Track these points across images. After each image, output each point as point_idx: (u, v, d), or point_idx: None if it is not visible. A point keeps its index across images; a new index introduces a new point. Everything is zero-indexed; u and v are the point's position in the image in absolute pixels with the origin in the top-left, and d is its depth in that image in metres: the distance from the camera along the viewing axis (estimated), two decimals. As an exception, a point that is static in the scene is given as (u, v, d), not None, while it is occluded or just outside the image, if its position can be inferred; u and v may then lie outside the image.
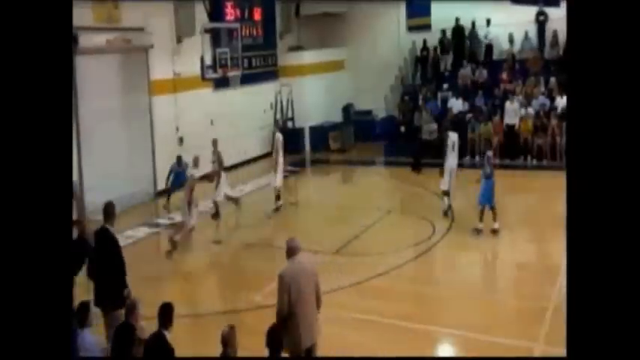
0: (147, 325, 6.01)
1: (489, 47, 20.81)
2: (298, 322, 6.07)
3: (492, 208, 11.90)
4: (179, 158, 14.45)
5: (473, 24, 20.92)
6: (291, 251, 6.26)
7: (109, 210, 7.50)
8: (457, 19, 20.99)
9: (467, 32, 21.17)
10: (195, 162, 12.07)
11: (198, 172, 12.12)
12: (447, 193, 12.92)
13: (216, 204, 13.77)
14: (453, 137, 12.95)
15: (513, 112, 18.00)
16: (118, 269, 7.37)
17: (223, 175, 13.85)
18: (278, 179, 14.03)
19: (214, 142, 13.74)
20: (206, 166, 17.36)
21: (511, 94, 18.50)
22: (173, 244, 11.51)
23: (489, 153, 12.37)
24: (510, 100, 18.20)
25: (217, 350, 5.54)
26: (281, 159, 14.04)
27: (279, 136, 14.19)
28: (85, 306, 6.16)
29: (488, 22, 20.75)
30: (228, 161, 18.19)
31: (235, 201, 14.13)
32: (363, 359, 6.98)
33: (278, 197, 14.18)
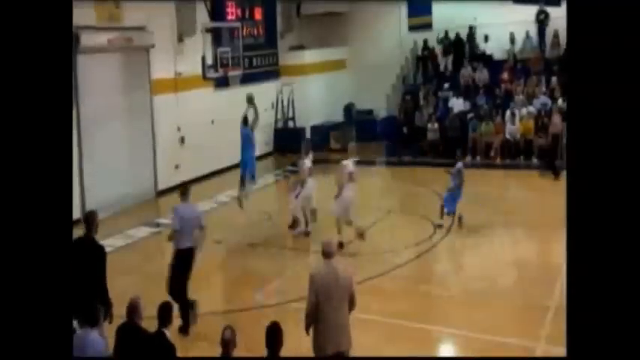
0: (147, 324, 6.00)
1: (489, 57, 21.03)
2: (323, 327, 5.99)
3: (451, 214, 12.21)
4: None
5: (471, 36, 21.15)
6: (326, 254, 6.14)
7: (90, 219, 7.23)
8: (457, 34, 21.18)
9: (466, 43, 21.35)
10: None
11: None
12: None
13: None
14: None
15: (515, 129, 17.88)
16: (98, 283, 6.98)
17: None
18: None
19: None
20: (210, 165, 17.47)
21: (512, 114, 17.98)
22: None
23: (459, 165, 12.35)
24: (511, 120, 17.92)
25: (217, 350, 5.53)
26: None
27: None
28: (95, 305, 6.11)
29: (486, 38, 20.89)
30: (229, 161, 18.25)
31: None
32: (364, 359, 6.97)
33: None
